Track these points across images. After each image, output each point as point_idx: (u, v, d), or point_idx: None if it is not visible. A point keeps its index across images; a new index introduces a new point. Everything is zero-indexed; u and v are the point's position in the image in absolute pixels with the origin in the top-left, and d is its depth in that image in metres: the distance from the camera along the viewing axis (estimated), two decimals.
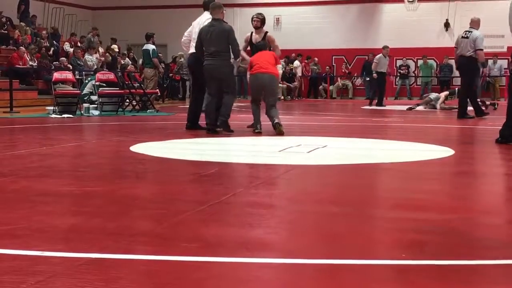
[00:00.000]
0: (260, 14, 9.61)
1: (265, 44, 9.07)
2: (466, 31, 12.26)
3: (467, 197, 4.30)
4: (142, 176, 5.20)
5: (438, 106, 16.13)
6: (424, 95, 18.42)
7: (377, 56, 18.60)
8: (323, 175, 5.29)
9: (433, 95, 17.08)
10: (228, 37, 8.52)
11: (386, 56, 18.59)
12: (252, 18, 9.49)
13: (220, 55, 8.53)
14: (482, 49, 12.11)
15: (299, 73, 25.15)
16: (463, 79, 12.41)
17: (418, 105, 16.77)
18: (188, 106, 9.99)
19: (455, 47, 12.53)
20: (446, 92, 17.20)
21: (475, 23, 12.31)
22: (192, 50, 9.10)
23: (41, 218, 3.34)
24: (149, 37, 15.67)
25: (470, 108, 12.46)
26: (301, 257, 2.65)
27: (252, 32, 9.44)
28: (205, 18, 9.00)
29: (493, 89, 23.98)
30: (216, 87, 8.62)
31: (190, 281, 2.32)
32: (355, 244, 2.90)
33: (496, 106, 16.28)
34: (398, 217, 3.50)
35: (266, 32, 9.44)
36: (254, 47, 9.21)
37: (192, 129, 9.02)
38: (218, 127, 8.51)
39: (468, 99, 12.41)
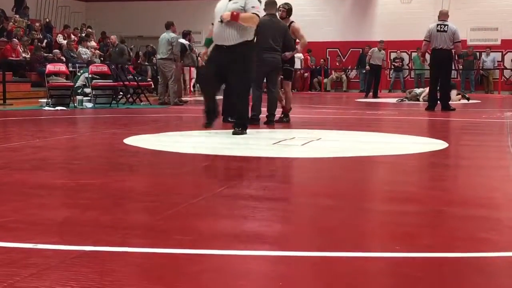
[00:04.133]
0: (287, 4, 9.46)
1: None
2: (440, 24, 12.35)
3: (461, 190, 4.32)
4: (136, 168, 5.19)
5: (421, 98, 16.29)
6: (408, 90, 18.61)
7: (372, 49, 19.21)
8: (317, 168, 5.30)
9: (419, 90, 17.34)
10: (285, 33, 8.85)
11: (380, 50, 18.99)
12: (279, 8, 9.39)
13: (278, 50, 8.81)
14: (460, 42, 12.62)
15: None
16: (443, 72, 12.48)
17: (406, 98, 16.97)
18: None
19: (426, 40, 12.55)
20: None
21: (445, 15, 12.53)
22: None
23: (34, 211, 3.33)
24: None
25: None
26: (295, 249, 2.65)
27: None
28: None
29: (486, 82, 24.01)
30: (263, 80, 8.92)
31: (184, 274, 2.33)
32: (348, 236, 2.90)
33: (468, 98, 16.66)
34: (392, 210, 3.51)
35: (292, 22, 9.35)
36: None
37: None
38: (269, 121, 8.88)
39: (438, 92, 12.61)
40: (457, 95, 16.66)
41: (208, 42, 7.80)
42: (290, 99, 9.53)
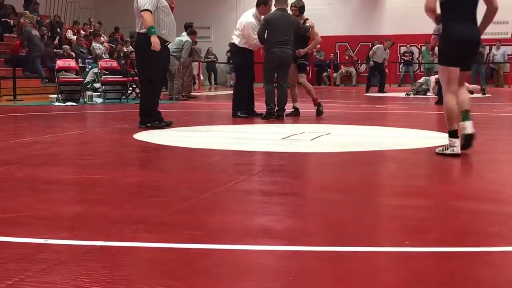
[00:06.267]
0: (298, 1, 9.43)
1: (308, 28, 9.18)
2: None
3: (471, 184, 4.30)
4: (146, 164, 5.20)
5: (431, 89, 16.20)
6: (413, 83, 18.53)
7: (376, 46, 19.01)
8: (326, 163, 5.30)
9: (422, 79, 17.31)
10: (297, 28, 8.91)
11: (386, 48, 18.79)
12: (290, 7, 9.40)
13: (290, 44, 8.85)
14: None
15: None
16: None
17: (412, 92, 16.87)
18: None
19: (435, 34, 12.49)
20: (437, 76, 17.29)
21: None
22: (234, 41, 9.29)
23: (45, 206, 3.35)
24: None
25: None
26: (304, 244, 2.66)
27: None
28: (250, 14, 9.22)
29: (496, 75, 23.88)
30: (274, 74, 9.01)
31: (194, 269, 2.33)
32: (358, 231, 2.90)
33: (485, 92, 16.50)
34: (402, 204, 3.50)
35: (306, 19, 9.37)
36: (295, 35, 9.24)
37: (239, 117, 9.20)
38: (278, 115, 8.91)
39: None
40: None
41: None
42: (311, 89, 9.59)
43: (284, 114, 9.06)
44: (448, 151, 5.17)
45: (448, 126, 5.24)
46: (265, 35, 8.79)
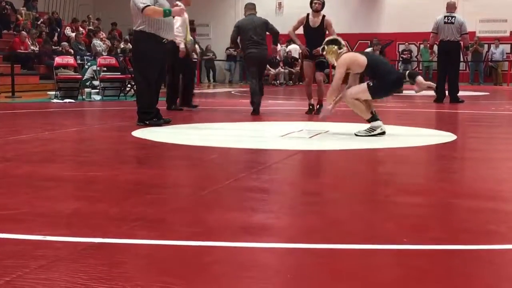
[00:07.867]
0: None
1: (275, 30, 9.62)
2: (447, 16, 12.32)
3: (470, 182, 4.31)
4: (144, 161, 5.20)
5: None
6: None
7: (366, 51, 18.88)
8: (325, 160, 5.30)
9: None
10: (267, 25, 9.51)
11: (375, 51, 18.76)
12: (313, 1, 9.47)
13: (263, 44, 9.49)
14: (468, 33, 12.69)
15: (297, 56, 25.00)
16: (451, 64, 12.50)
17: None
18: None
19: (434, 32, 12.53)
20: None
21: (452, 7, 12.50)
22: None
23: (43, 203, 3.35)
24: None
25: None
26: (302, 242, 2.66)
27: (308, 14, 9.51)
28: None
29: (495, 74, 23.88)
30: (257, 72, 9.64)
31: (192, 266, 2.33)
32: (356, 229, 2.90)
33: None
34: (400, 202, 3.51)
35: (324, 16, 9.48)
36: (309, 30, 9.40)
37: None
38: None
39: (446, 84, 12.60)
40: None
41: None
42: (323, 92, 9.61)
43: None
44: (377, 131, 6.33)
45: (364, 117, 6.48)
46: (238, 40, 9.53)
